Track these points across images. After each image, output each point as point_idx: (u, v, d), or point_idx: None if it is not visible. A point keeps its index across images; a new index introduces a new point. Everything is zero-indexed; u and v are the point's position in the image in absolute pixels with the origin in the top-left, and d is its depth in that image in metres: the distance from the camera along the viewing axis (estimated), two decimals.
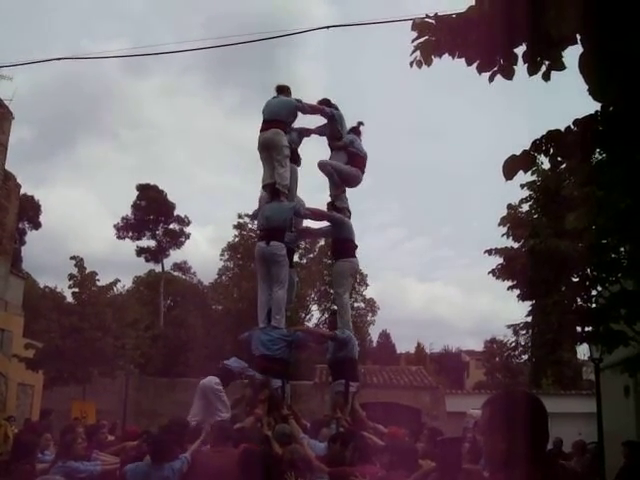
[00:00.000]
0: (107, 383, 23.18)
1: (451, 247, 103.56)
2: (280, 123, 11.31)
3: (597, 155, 6.00)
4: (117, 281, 23.73)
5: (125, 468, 6.45)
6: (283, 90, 11.71)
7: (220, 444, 6.69)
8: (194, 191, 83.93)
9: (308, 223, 12.27)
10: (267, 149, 11.25)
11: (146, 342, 27.47)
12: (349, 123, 12.27)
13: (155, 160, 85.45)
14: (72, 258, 22.33)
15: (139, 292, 44.41)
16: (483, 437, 2.65)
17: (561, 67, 3.95)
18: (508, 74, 4.06)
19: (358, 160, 11.90)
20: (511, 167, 4.24)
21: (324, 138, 12.31)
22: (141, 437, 8.03)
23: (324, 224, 12.02)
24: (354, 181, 11.97)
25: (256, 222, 11.67)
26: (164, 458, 6.36)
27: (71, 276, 22.21)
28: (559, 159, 4.80)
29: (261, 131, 11.34)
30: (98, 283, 22.75)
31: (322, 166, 11.67)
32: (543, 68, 3.95)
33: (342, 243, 11.67)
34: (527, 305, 15.40)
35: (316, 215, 11.70)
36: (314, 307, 44.69)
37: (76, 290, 22.42)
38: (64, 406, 20.13)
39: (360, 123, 12.31)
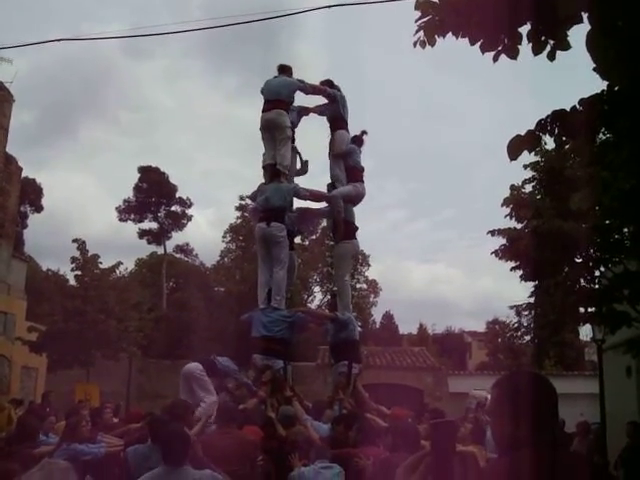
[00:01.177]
0: (110, 365, 23.26)
1: (453, 229, 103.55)
2: (282, 103, 11.22)
3: (602, 136, 5.96)
4: (119, 264, 23.82)
5: (127, 450, 6.46)
6: (285, 70, 11.60)
7: (225, 425, 6.70)
8: (195, 174, 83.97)
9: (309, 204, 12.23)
10: (270, 129, 11.18)
11: (149, 324, 27.57)
12: (351, 108, 12.18)
13: (156, 143, 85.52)
14: (74, 241, 22.36)
15: (141, 274, 44.46)
16: (491, 419, 2.65)
17: (566, 46, 3.90)
18: (512, 53, 4.01)
19: (356, 174, 11.73)
20: (516, 147, 4.20)
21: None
22: (145, 419, 8.05)
23: (324, 205, 11.99)
24: (359, 199, 11.89)
25: (255, 204, 11.55)
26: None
27: (73, 259, 22.24)
28: (564, 139, 4.75)
29: (263, 111, 11.25)
30: (100, 266, 22.80)
31: (333, 200, 11.44)
32: (548, 47, 3.90)
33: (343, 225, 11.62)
34: (530, 286, 15.43)
35: (316, 196, 11.62)
36: (316, 289, 44.82)
37: (79, 273, 22.47)
38: (67, 388, 20.25)
39: (364, 132, 12.10)
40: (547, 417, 2.40)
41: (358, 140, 11.95)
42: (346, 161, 11.65)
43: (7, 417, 12.36)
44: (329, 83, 12.03)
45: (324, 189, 11.80)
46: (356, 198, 11.77)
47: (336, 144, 11.89)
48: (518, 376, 2.64)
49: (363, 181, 11.87)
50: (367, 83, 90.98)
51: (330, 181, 11.86)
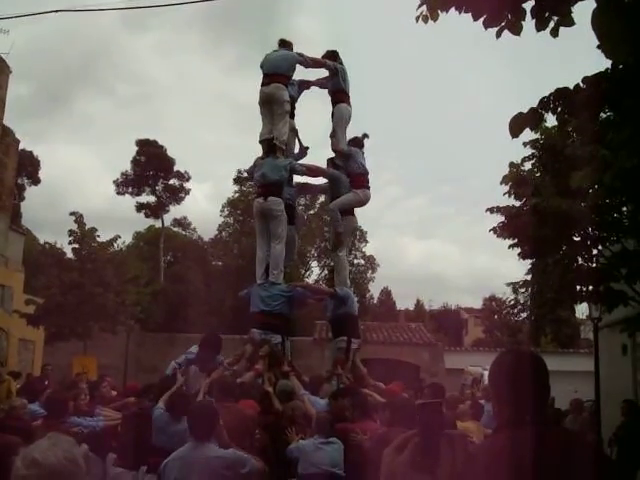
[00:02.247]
0: (108, 339, 23.29)
1: (451, 205, 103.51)
2: (281, 77, 11.13)
3: (603, 114, 5.92)
4: (117, 237, 23.73)
5: (154, 410, 6.54)
6: (285, 44, 11.50)
7: (224, 400, 6.72)
8: (192, 148, 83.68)
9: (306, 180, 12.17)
10: (268, 103, 11.10)
11: (146, 298, 27.61)
12: (350, 83, 12.04)
13: (153, 117, 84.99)
14: (72, 214, 22.31)
15: (139, 248, 44.43)
16: (491, 397, 2.75)
17: (570, 23, 3.86)
18: (515, 29, 3.98)
19: (357, 179, 11.39)
20: (518, 124, 4.18)
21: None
22: (143, 392, 8.10)
23: (323, 181, 11.95)
24: (361, 205, 11.67)
25: (253, 180, 11.49)
26: (182, 412, 6.45)
27: (71, 232, 22.18)
28: (566, 117, 4.72)
29: (262, 85, 11.16)
30: (98, 239, 22.75)
31: (330, 212, 11.25)
32: (552, 24, 3.86)
33: None
34: (527, 263, 15.41)
35: (313, 172, 11.52)
36: (314, 264, 44.86)
37: (76, 246, 22.42)
38: (65, 361, 20.31)
39: (365, 135, 11.76)
40: (543, 395, 2.46)
41: (358, 142, 11.60)
42: (347, 165, 11.36)
43: (7, 390, 12.41)
44: (334, 54, 11.91)
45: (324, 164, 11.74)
46: (357, 205, 11.61)
47: (335, 119, 11.81)
48: (516, 354, 2.67)
49: (366, 186, 11.55)
50: (367, 58, 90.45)
51: (331, 155, 11.79)
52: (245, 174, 40.63)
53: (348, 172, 11.35)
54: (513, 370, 2.47)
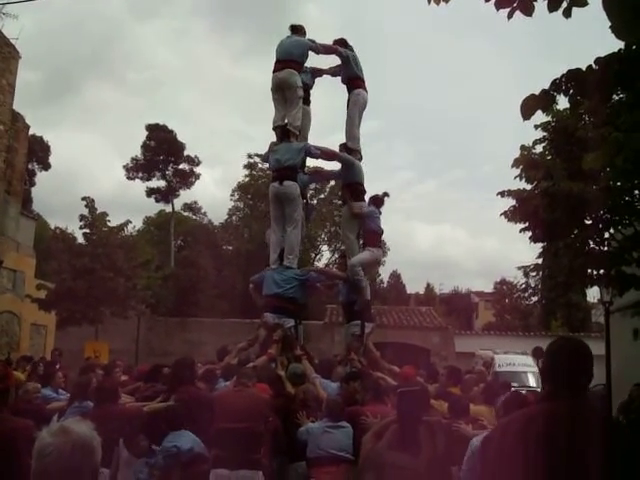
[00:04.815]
0: (119, 323, 23.42)
1: (462, 190, 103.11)
2: (294, 63, 11.11)
3: (616, 96, 5.87)
4: (128, 222, 23.78)
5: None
6: (297, 30, 11.47)
7: (240, 384, 6.77)
8: (202, 133, 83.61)
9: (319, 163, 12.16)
10: (281, 89, 11.08)
11: (157, 282, 27.72)
12: (364, 70, 12.00)
13: (163, 103, 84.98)
14: (83, 199, 22.38)
15: (149, 232, 44.54)
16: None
17: (583, 3, 3.81)
18: (528, 10, 3.93)
19: (374, 238, 11.22)
20: (530, 106, 4.13)
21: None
22: (151, 374, 8.17)
23: (335, 166, 11.93)
24: (375, 263, 11.83)
25: (267, 164, 11.48)
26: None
27: (82, 217, 22.26)
28: (579, 99, 4.67)
29: (275, 71, 11.14)
30: (109, 224, 22.81)
31: (350, 268, 10.87)
32: (564, 4, 3.81)
33: (352, 186, 11.53)
34: (538, 247, 15.36)
35: (327, 155, 11.49)
36: (324, 247, 44.82)
37: (87, 231, 22.51)
38: (77, 346, 20.46)
39: (385, 194, 11.53)
40: (579, 376, 2.81)
41: (378, 201, 11.37)
42: (365, 224, 11.14)
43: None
44: (343, 42, 11.88)
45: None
46: (372, 264, 11.59)
47: (350, 105, 11.84)
48: (561, 340, 3.07)
49: (380, 246, 11.63)
50: (377, 43, 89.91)
51: (344, 140, 11.76)
52: (255, 158, 40.69)
53: (365, 229, 11.20)
54: (556, 353, 2.89)
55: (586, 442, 2.52)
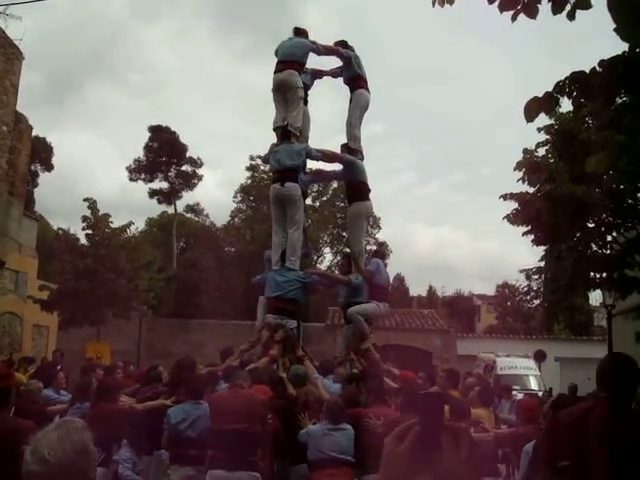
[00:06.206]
0: (121, 324, 23.40)
1: (464, 192, 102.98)
2: (295, 64, 11.12)
3: (619, 99, 5.85)
4: (131, 223, 23.76)
5: (168, 411, 6.49)
6: (301, 33, 11.50)
7: (236, 385, 6.76)
8: (204, 135, 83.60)
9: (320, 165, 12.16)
10: (282, 90, 11.08)
11: (159, 284, 27.67)
12: (366, 72, 12.02)
13: (165, 104, 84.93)
14: (85, 200, 22.33)
15: (152, 234, 44.53)
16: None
17: (587, 5, 3.80)
18: (532, 12, 3.93)
19: (380, 292, 11.13)
20: (533, 109, 4.12)
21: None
22: (149, 372, 8.19)
23: (337, 166, 11.92)
24: (379, 317, 11.93)
25: (268, 166, 11.48)
26: (201, 397, 6.52)
27: (84, 218, 22.23)
28: (582, 101, 4.66)
29: (276, 72, 11.15)
30: (111, 225, 22.81)
31: (354, 318, 10.73)
32: (568, 6, 3.80)
33: (356, 186, 11.55)
34: (540, 250, 15.38)
35: (328, 157, 11.52)
36: (327, 249, 44.80)
37: (89, 232, 22.48)
38: (79, 347, 20.46)
39: (383, 244, 11.73)
40: (619, 384, 3.57)
41: (380, 254, 11.66)
42: (371, 280, 10.95)
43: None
44: (343, 44, 11.90)
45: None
46: (375, 316, 11.55)
47: (352, 104, 11.88)
48: (609, 356, 3.96)
49: (387, 300, 11.47)
50: (381, 44, 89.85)
51: (345, 141, 11.77)
52: (257, 160, 40.68)
53: (372, 283, 10.98)
54: (605, 365, 3.76)
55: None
